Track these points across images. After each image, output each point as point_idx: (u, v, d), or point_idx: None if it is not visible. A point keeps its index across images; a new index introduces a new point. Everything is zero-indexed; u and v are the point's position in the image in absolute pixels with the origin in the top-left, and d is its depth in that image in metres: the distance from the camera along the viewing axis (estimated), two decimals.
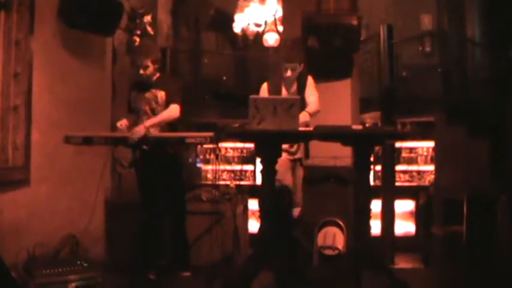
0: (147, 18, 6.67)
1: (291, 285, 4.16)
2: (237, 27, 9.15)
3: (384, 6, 9.39)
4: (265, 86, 5.03)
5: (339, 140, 4.11)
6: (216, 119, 8.40)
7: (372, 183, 4.87)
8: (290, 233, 5.01)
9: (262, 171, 4.10)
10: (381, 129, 5.14)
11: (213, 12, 10.00)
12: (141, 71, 4.73)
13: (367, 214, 4.00)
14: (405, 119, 7.14)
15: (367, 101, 7.30)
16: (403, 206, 7.65)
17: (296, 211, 5.18)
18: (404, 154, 8.29)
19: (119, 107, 5.77)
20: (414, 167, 8.25)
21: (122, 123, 4.72)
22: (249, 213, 6.42)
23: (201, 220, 5.37)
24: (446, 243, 5.73)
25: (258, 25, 8.84)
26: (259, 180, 4.28)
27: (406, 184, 8.19)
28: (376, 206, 5.99)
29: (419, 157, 8.26)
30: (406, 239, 7.39)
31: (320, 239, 5.69)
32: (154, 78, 4.82)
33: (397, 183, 7.42)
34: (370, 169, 4.18)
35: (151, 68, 4.75)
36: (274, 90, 4.92)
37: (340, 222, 5.75)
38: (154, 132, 4.57)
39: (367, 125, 7.15)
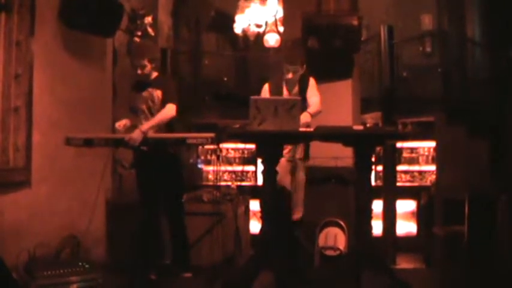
0: (148, 19, 6.68)
1: (292, 285, 4.16)
2: (237, 28, 9.16)
3: (384, 6, 9.39)
4: (266, 86, 5.03)
5: (340, 141, 4.10)
6: (216, 120, 8.40)
7: (373, 183, 4.88)
8: (291, 233, 5.01)
9: (263, 172, 4.10)
10: (381, 130, 5.13)
11: (213, 13, 10.01)
12: (139, 71, 4.74)
13: (368, 214, 3.99)
14: (406, 119, 7.13)
15: (368, 101, 7.30)
16: (405, 206, 7.65)
17: (296, 213, 5.18)
18: (405, 154, 8.29)
19: (119, 108, 5.78)
20: (415, 167, 8.25)
21: (121, 123, 4.73)
22: (250, 213, 6.42)
23: (202, 221, 5.37)
24: (448, 243, 5.73)
25: (258, 26, 8.85)
26: (260, 181, 4.27)
27: (408, 184, 8.19)
28: (377, 206, 6.00)
29: (420, 157, 8.26)
30: (407, 239, 7.38)
31: (321, 240, 5.68)
32: (152, 77, 4.83)
33: (398, 184, 7.42)
34: (371, 169, 4.18)
35: (148, 67, 4.76)
36: (276, 90, 4.93)
37: (342, 223, 5.74)
38: (151, 133, 4.58)
39: (368, 125, 7.15)
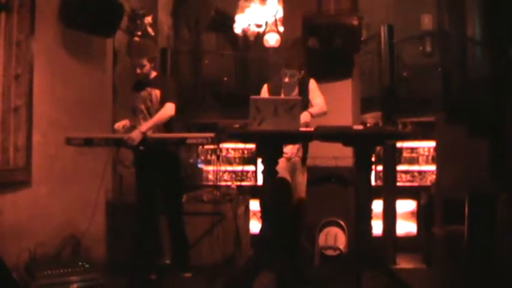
0: (148, 19, 6.68)
1: (292, 285, 4.16)
2: (237, 28, 9.14)
3: (385, 6, 9.38)
4: (265, 87, 5.02)
5: (340, 140, 4.10)
6: (216, 120, 8.41)
7: (373, 183, 4.87)
8: (291, 233, 5.00)
9: (263, 172, 4.10)
10: (381, 129, 5.13)
11: (213, 13, 9.99)
12: (138, 70, 4.75)
13: (368, 214, 3.99)
14: (406, 118, 7.13)
15: (368, 101, 7.30)
16: (405, 206, 7.64)
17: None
18: (405, 154, 8.28)
19: (119, 108, 5.79)
20: (415, 167, 8.24)
21: (120, 124, 4.74)
22: (250, 213, 6.42)
23: (202, 221, 5.38)
24: (448, 243, 5.73)
25: (258, 26, 8.84)
26: (260, 181, 4.27)
27: (408, 184, 8.17)
28: (377, 206, 5.98)
29: (420, 157, 8.25)
30: (407, 239, 7.37)
31: (321, 240, 5.69)
32: (151, 77, 4.83)
33: (398, 183, 7.40)
34: (371, 169, 4.18)
35: (147, 67, 4.77)
36: (275, 91, 4.91)
37: (342, 223, 5.75)
38: (150, 133, 4.59)
39: (368, 125, 7.15)
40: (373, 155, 4.19)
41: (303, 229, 5.22)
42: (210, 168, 8.72)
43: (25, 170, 4.47)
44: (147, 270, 4.78)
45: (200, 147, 8.34)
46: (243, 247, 5.80)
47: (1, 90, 4.30)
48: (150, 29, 6.72)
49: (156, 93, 4.77)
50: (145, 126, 4.56)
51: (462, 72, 8.48)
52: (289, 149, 4.87)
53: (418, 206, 7.66)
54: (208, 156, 8.75)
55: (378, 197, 6.22)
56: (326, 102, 4.92)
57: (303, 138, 4.47)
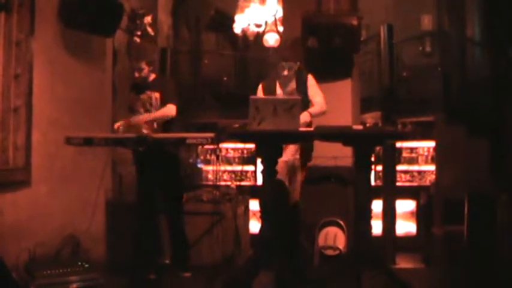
0: (148, 19, 6.68)
1: (291, 285, 4.16)
2: (237, 28, 9.14)
3: (384, 6, 9.39)
4: (260, 87, 4.99)
5: (340, 140, 4.10)
6: (216, 120, 8.41)
7: (372, 183, 4.87)
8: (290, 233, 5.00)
9: (263, 172, 4.10)
10: (381, 129, 5.12)
11: (213, 13, 10.00)
12: (136, 74, 4.78)
13: (368, 214, 3.99)
14: (406, 118, 7.13)
15: (368, 101, 7.30)
16: (404, 206, 7.63)
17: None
18: (405, 154, 8.27)
19: (119, 108, 5.79)
20: (415, 167, 8.23)
21: (119, 124, 4.75)
22: (250, 213, 6.42)
23: (201, 220, 5.38)
24: (447, 243, 5.73)
25: (258, 25, 8.83)
26: (260, 181, 4.27)
27: (407, 184, 8.16)
28: (377, 206, 5.98)
29: (420, 157, 8.24)
30: (407, 239, 7.37)
31: (321, 239, 5.69)
32: (150, 79, 4.85)
33: (398, 183, 7.39)
34: (370, 169, 4.18)
35: (145, 70, 4.79)
36: (269, 90, 4.89)
37: (341, 222, 5.75)
38: (145, 131, 4.60)
39: (367, 125, 7.15)
40: (373, 155, 4.19)
41: (302, 229, 5.21)
42: (210, 168, 8.71)
43: (25, 169, 4.47)
44: (147, 270, 4.78)
45: (200, 147, 8.34)
46: (243, 247, 5.80)
47: (1, 90, 4.30)
48: (149, 29, 6.72)
49: (156, 96, 4.79)
50: (147, 117, 4.60)
51: (462, 73, 8.49)
52: (288, 151, 4.84)
53: (418, 206, 7.65)
54: (208, 156, 8.75)
55: (377, 196, 6.22)
56: (326, 101, 4.91)
57: (303, 138, 4.47)
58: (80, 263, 4.28)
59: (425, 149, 8.18)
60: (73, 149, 4.67)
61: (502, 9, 7.14)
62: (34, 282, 3.92)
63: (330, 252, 5.63)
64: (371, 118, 7.64)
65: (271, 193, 4.08)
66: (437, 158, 7.12)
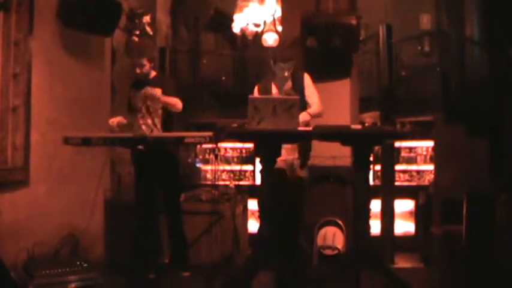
0: (146, 19, 6.68)
1: (290, 285, 4.16)
2: (236, 27, 9.15)
3: (383, 6, 9.40)
4: (256, 88, 4.96)
5: (339, 140, 4.10)
6: (215, 119, 8.41)
7: (371, 182, 4.87)
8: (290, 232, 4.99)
9: (261, 171, 4.10)
10: (380, 129, 5.13)
11: (212, 13, 10.00)
12: (138, 70, 4.78)
13: (366, 214, 3.99)
14: (404, 118, 7.14)
15: (367, 100, 7.30)
16: (403, 205, 7.65)
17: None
18: (403, 154, 8.29)
19: (118, 107, 5.77)
20: (414, 167, 8.25)
21: (114, 120, 4.77)
22: (249, 213, 6.42)
23: (200, 220, 5.38)
24: (446, 242, 5.74)
25: (257, 25, 8.85)
26: (258, 180, 4.27)
27: (406, 184, 8.18)
28: (375, 205, 6.00)
29: (418, 157, 8.26)
30: (405, 238, 7.39)
31: (320, 239, 5.69)
32: (151, 76, 4.86)
33: (396, 183, 7.42)
34: (369, 169, 4.18)
35: (147, 67, 4.81)
36: (264, 92, 4.85)
37: (340, 222, 5.75)
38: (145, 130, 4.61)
39: (366, 124, 7.16)
40: (372, 155, 4.18)
41: (303, 229, 5.21)
42: (208, 167, 8.73)
43: (23, 169, 4.46)
44: (146, 269, 4.77)
45: (198, 146, 8.35)
46: (241, 246, 5.80)
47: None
48: (148, 28, 6.72)
49: (157, 92, 4.79)
50: (161, 96, 4.68)
51: (461, 72, 8.49)
52: (286, 151, 4.82)
53: (416, 205, 7.67)
54: (207, 156, 8.76)
55: (376, 196, 6.24)
56: (324, 101, 4.90)
57: (302, 138, 4.47)
58: (78, 263, 4.27)
59: (424, 149, 8.20)
60: (71, 148, 4.66)
61: (501, 8, 7.14)
62: (33, 281, 3.92)
63: (328, 251, 5.63)
64: (370, 118, 7.65)
65: (271, 184, 4.06)
66: (436, 157, 7.14)
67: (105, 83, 5.79)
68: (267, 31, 8.67)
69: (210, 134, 4.18)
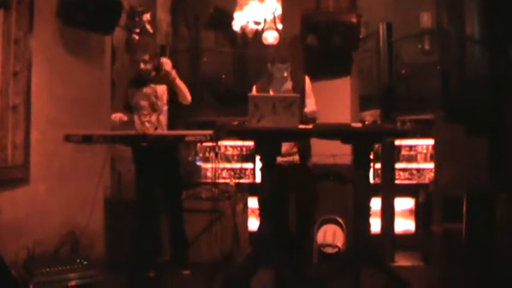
0: (146, 17, 6.67)
1: (290, 283, 4.16)
2: (236, 25, 9.15)
3: (383, 4, 9.39)
4: (254, 88, 4.95)
5: (339, 138, 4.10)
6: (215, 117, 8.41)
7: (371, 181, 4.87)
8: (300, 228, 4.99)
9: (261, 169, 4.10)
10: (380, 127, 5.13)
11: (212, 11, 9.98)
12: (141, 65, 4.74)
13: (366, 212, 4.00)
14: (405, 116, 7.14)
15: (367, 98, 7.30)
16: (403, 203, 7.65)
17: None
18: (404, 152, 8.29)
19: (118, 105, 5.77)
20: (414, 165, 8.25)
21: (117, 116, 4.75)
22: (249, 211, 6.43)
23: (200, 218, 5.38)
24: (446, 241, 5.73)
25: (257, 23, 8.85)
26: (258, 178, 4.27)
27: (406, 182, 8.19)
28: (375, 203, 5.99)
29: (418, 155, 8.26)
30: (405, 236, 7.39)
31: (320, 237, 5.69)
32: (153, 73, 4.84)
33: (396, 181, 7.42)
34: (369, 167, 4.18)
35: (151, 63, 4.78)
36: (262, 91, 4.83)
37: (340, 220, 5.75)
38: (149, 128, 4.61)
39: (366, 122, 7.15)
40: (372, 153, 4.18)
41: (311, 225, 5.20)
42: (209, 165, 8.73)
43: (23, 167, 4.46)
44: (146, 267, 4.78)
45: (198, 144, 8.36)
46: (242, 244, 5.80)
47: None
48: (148, 26, 6.71)
49: (161, 89, 4.78)
50: (177, 77, 4.73)
51: (461, 71, 8.47)
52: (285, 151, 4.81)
53: (417, 203, 7.67)
54: (207, 154, 8.77)
55: (376, 194, 6.24)
56: (324, 99, 4.91)
57: (302, 136, 4.47)
58: (78, 261, 4.27)
59: (424, 147, 8.20)
60: (72, 146, 4.66)
61: (501, 7, 7.13)
62: (33, 279, 3.92)
63: (328, 250, 5.64)
64: (370, 116, 7.65)
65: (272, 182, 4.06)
66: (436, 156, 7.13)
67: (105, 81, 5.79)
68: (267, 29, 8.68)
69: (210, 132, 4.18)
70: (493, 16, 7.66)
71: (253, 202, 6.18)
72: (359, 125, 4.62)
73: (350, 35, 5.88)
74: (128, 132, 4.63)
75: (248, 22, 8.97)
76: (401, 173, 8.23)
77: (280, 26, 8.11)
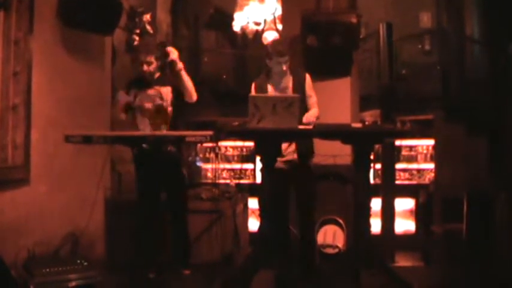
0: (146, 17, 6.67)
1: (290, 283, 4.16)
2: (236, 26, 9.15)
3: (383, 4, 9.39)
4: (253, 86, 4.93)
5: (339, 138, 4.10)
6: (215, 118, 8.41)
7: (371, 181, 4.87)
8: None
9: (262, 170, 4.10)
10: (380, 127, 5.13)
11: (212, 11, 10.00)
12: (145, 67, 4.74)
13: (367, 212, 3.99)
14: (405, 117, 7.13)
15: (367, 99, 7.29)
16: (403, 204, 7.65)
17: None
18: (404, 152, 8.29)
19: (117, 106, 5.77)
20: (414, 165, 8.25)
21: (122, 100, 4.77)
22: (249, 211, 6.43)
23: (201, 219, 5.38)
24: (446, 241, 5.73)
25: (257, 23, 8.85)
26: (259, 179, 4.27)
27: (406, 182, 8.18)
28: (376, 204, 5.99)
29: (419, 155, 8.26)
30: (406, 237, 7.39)
31: (320, 237, 5.69)
32: (157, 75, 4.84)
33: (397, 182, 7.41)
34: (370, 167, 4.17)
35: (154, 65, 4.78)
36: (260, 89, 4.80)
37: (340, 221, 5.75)
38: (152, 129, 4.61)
39: (366, 123, 7.15)
40: (372, 153, 4.18)
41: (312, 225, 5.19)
42: (209, 166, 8.73)
43: (23, 168, 4.46)
44: (146, 268, 4.77)
45: (199, 145, 8.35)
46: (242, 245, 5.81)
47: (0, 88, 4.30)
48: (148, 27, 6.71)
49: (166, 90, 4.78)
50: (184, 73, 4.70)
51: (461, 71, 8.48)
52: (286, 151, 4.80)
53: (417, 204, 7.67)
54: (207, 154, 8.76)
55: (376, 195, 6.23)
56: (325, 100, 4.89)
57: (302, 136, 4.46)
58: (79, 261, 4.27)
59: (425, 147, 8.19)
60: (72, 147, 4.66)
61: (501, 7, 7.13)
62: (33, 280, 3.92)
63: (329, 250, 5.63)
64: (370, 116, 7.64)
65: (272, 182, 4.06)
66: (437, 156, 7.14)
67: (106, 81, 5.79)
68: (267, 29, 8.67)
69: (210, 132, 4.18)
70: (493, 16, 7.66)
71: (253, 203, 6.19)
72: (359, 125, 4.62)
73: (350, 35, 5.87)
74: (128, 133, 4.63)
75: (248, 22, 8.96)
76: (402, 174, 8.22)
77: (280, 27, 8.11)
